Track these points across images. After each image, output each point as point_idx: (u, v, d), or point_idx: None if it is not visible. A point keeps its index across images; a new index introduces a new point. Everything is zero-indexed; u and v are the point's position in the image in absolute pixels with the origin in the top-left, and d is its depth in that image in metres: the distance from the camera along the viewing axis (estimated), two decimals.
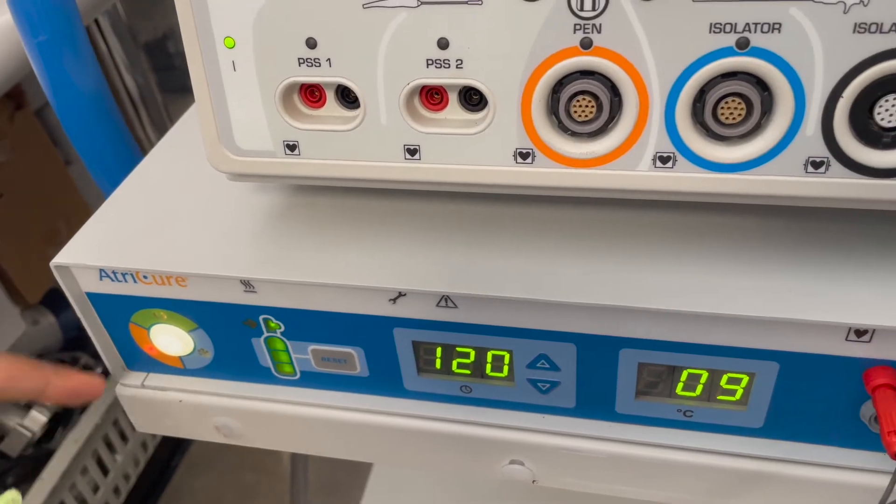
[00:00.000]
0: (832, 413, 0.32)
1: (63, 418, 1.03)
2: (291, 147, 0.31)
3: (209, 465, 1.18)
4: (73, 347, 1.08)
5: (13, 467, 0.98)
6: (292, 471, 0.89)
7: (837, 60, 0.24)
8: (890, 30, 0.23)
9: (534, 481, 0.37)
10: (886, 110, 0.25)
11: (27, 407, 1.00)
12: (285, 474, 1.03)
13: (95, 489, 1.02)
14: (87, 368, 1.07)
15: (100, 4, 0.49)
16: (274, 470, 1.15)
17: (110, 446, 1.04)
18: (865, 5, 0.23)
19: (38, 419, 0.98)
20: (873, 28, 0.24)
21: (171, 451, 1.19)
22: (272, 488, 1.13)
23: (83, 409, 1.03)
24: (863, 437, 0.32)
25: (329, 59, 0.28)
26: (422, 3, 0.26)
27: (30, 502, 0.92)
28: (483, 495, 0.68)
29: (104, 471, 1.04)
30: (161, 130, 1.06)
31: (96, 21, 0.94)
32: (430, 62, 0.28)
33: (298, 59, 0.29)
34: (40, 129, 0.99)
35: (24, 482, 0.95)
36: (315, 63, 0.29)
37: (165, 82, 1.05)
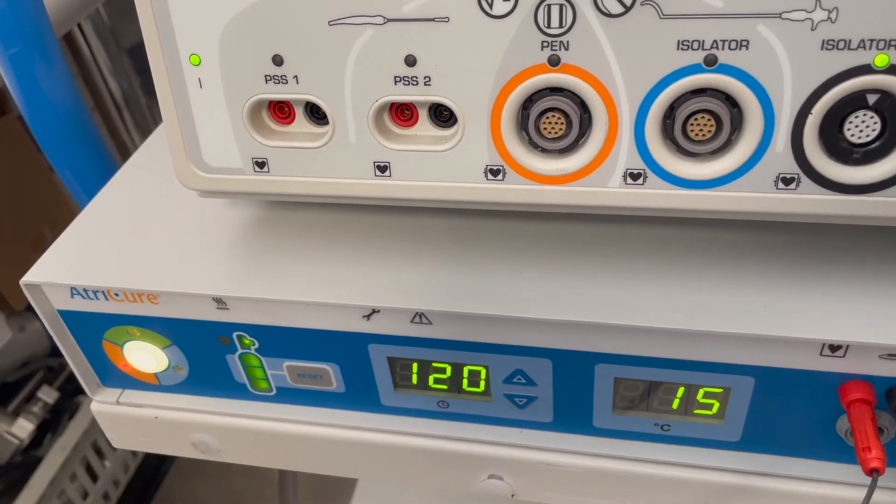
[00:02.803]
0: (809, 427, 0.31)
1: (51, 425, 1.03)
2: (260, 164, 0.30)
3: (199, 471, 1.18)
4: (60, 354, 1.07)
5: (1, 475, 0.97)
6: (281, 476, 0.88)
7: (806, 77, 0.24)
8: (858, 46, 0.23)
9: (513, 495, 0.37)
10: (856, 126, 0.25)
11: (15, 414, 0.99)
12: (275, 479, 1.02)
13: (85, 496, 1.01)
14: (73, 375, 1.07)
15: (74, 15, 0.48)
16: (263, 475, 1.14)
17: (99, 452, 1.04)
18: (833, 22, 0.23)
19: (25, 426, 0.98)
20: (841, 45, 0.23)
21: (160, 457, 1.18)
22: (261, 493, 1.12)
23: (71, 415, 1.03)
24: (839, 451, 0.32)
25: (296, 77, 0.28)
26: (388, 20, 0.26)
27: None
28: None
29: (93, 477, 1.03)
30: (146, 134, 1.05)
31: (79, 25, 0.93)
32: (397, 79, 0.27)
33: (265, 76, 0.28)
34: (24, 135, 0.98)
35: (12, 490, 0.95)
36: (282, 80, 0.28)
37: (150, 86, 1.03)
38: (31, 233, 1.00)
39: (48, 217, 1.02)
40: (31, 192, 1.01)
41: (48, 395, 1.01)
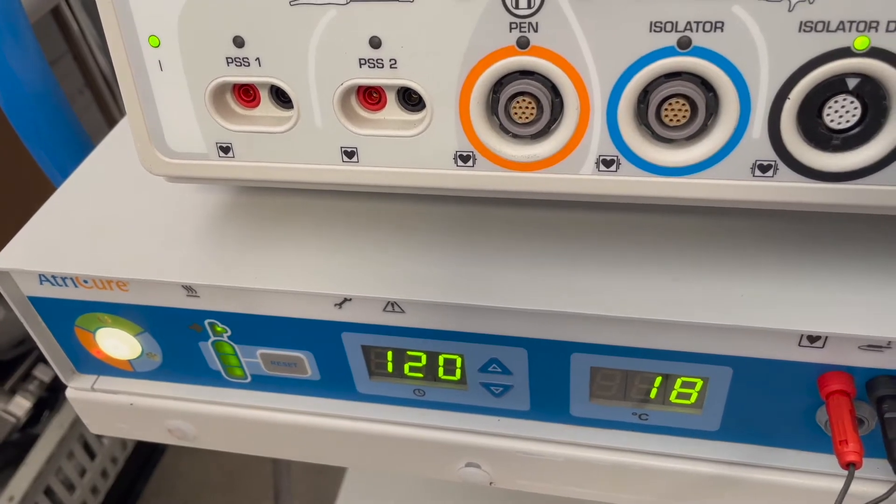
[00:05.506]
0: (788, 417, 0.31)
1: (48, 402, 1.03)
2: (225, 149, 0.29)
3: (196, 448, 1.18)
4: None
5: None
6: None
7: (783, 60, 0.23)
8: (837, 28, 0.22)
9: (491, 483, 0.37)
10: (836, 111, 0.24)
11: (11, 392, 0.99)
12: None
13: (82, 473, 1.02)
14: None
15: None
16: None
17: None
18: (811, 3, 0.22)
19: (22, 404, 0.98)
20: (819, 27, 0.22)
21: None
22: (258, 471, 1.13)
23: None
24: (819, 441, 0.31)
25: (258, 59, 0.27)
26: (351, 0, 0.25)
27: (16, 488, 0.92)
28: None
29: (91, 454, 1.04)
30: None
31: (67, 1, 0.91)
32: (362, 62, 0.26)
33: (227, 58, 0.27)
34: None
35: (9, 467, 0.95)
36: (244, 62, 0.27)
37: None
38: (20, 212, 0.99)
39: (37, 195, 1.01)
40: (19, 169, 1.00)
41: (44, 373, 1.01)
